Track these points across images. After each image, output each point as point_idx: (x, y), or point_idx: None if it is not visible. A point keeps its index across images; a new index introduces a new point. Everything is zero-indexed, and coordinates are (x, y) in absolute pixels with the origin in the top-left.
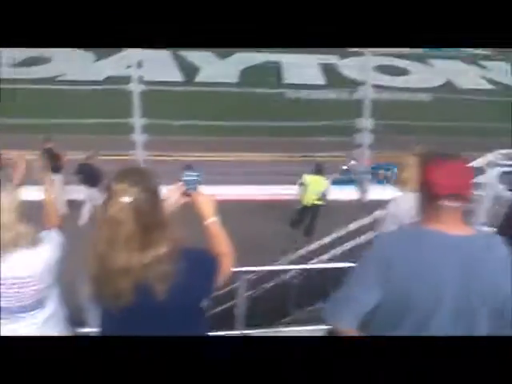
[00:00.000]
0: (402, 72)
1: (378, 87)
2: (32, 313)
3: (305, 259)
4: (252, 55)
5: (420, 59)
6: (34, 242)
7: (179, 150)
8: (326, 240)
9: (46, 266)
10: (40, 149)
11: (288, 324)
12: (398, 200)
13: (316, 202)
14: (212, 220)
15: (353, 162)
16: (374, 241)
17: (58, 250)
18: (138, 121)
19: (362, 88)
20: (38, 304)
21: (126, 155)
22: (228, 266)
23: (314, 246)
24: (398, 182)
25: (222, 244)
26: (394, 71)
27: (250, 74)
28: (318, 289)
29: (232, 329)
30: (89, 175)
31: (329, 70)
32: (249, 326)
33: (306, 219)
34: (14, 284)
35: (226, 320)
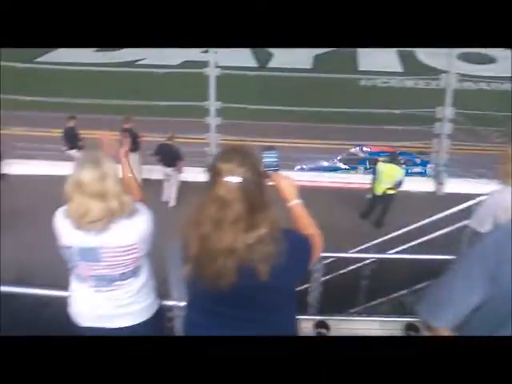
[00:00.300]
0: (489, 60)
1: (460, 75)
2: (128, 281)
3: (376, 250)
4: None
5: None
6: (132, 212)
7: (252, 135)
8: (400, 232)
9: (142, 236)
10: (120, 129)
11: (358, 314)
12: (496, 194)
13: (389, 192)
14: (296, 202)
15: (355, 149)
16: (482, 236)
17: (151, 222)
18: (213, 104)
19: (444, 76)
20: (134, 273)
21: (200, 138)
22: (319, 247)
23: (386, 237)
24: (499, 175)
25: (309, 226)
26: (480, 59)
27: (323, 60)
28: (390, 281)
29: (304, 313)
30: (168, 155)
31: (406, 57)
32: (320, 312)
33: (376, 209)
34: (116, 252)
35: (299, 304)
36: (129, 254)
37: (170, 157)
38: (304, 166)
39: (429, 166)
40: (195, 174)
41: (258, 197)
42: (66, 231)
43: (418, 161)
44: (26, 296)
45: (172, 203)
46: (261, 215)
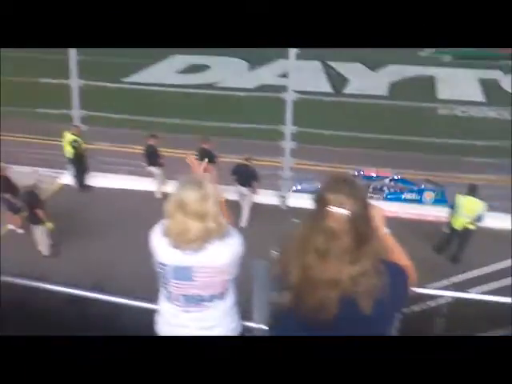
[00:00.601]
0: None
1: None
2: (214, 303)
3: (454, 288)
4: (404, 67)
5: None
6: (226, 234)
7: (326, 160)
8: (480, 270)
9: (233, 258)
10: (197, 148)
11: None
12: None
13: (468, 226)
14: (385, 231)
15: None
16: None
17: (242, 244)
18: (289, 128)
19: None
20: (222, 295)
21: (274, 161)
22: (413, 278)
23: (465, 274)
24: None
25: (402, 256)
26: None
27: (401, 88)
28: (468, 321)
29: None
30: (244, 175)
31: (489, 86)
32: None
33: (453, 244)
34: (208, 273)
35: None
36: (219, 276)
37: (246, 177)
38: (298, 187)
39: (426, 194)
40: (268, 197)
41: (364, 229)
42: (162, 249)
43: (415, 188)
44: (103, 302)
45: (244, 224)
46: (366, 247)
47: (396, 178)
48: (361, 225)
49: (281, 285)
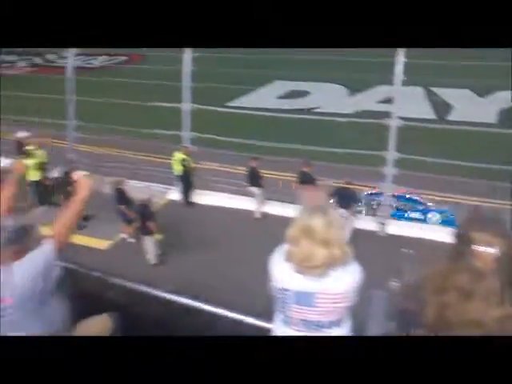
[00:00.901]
0: None
1: None
2: (333, 330)
3: None
4: None
5: None
6: (348, 261)
7: (429, 188)
8: None
9: (354, 286)
10: (297, 171)
11: None
12: None
13: None
14: None
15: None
16: None
17: (361, 272)
18: (392, 154)
19: None
20: (339, 322)
21: (372, 186)
22: None
23: None
24: None
25: None
26: None
27: (510, 115)
28: None
29: None
30: (345, 198)
31: None
32: None
33: None
34: (330, 299)
35: None
36: (340, 302)
37: (346, 199)
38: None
39: (430, 214)
40: (366, 222)
41: None
42: (285, 274)
43: (420, 207)
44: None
45: None
46: None
47: (396, 195)
48: (509, 265)
49: (406, 319)
